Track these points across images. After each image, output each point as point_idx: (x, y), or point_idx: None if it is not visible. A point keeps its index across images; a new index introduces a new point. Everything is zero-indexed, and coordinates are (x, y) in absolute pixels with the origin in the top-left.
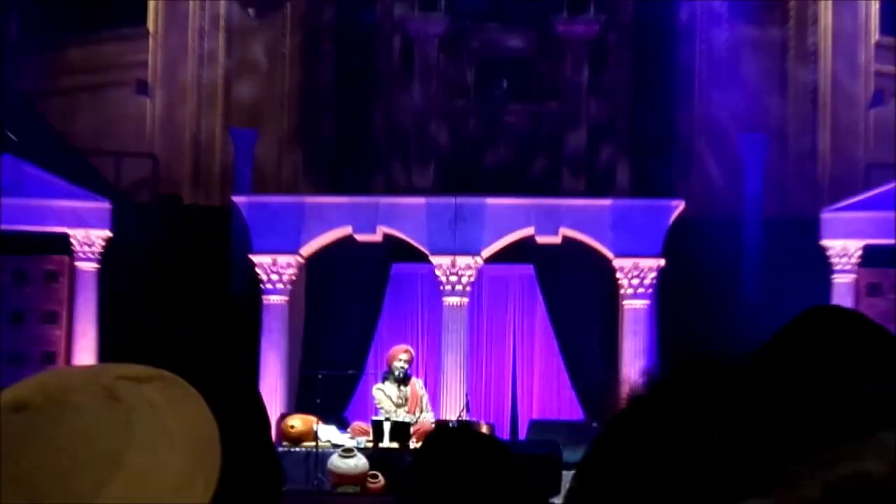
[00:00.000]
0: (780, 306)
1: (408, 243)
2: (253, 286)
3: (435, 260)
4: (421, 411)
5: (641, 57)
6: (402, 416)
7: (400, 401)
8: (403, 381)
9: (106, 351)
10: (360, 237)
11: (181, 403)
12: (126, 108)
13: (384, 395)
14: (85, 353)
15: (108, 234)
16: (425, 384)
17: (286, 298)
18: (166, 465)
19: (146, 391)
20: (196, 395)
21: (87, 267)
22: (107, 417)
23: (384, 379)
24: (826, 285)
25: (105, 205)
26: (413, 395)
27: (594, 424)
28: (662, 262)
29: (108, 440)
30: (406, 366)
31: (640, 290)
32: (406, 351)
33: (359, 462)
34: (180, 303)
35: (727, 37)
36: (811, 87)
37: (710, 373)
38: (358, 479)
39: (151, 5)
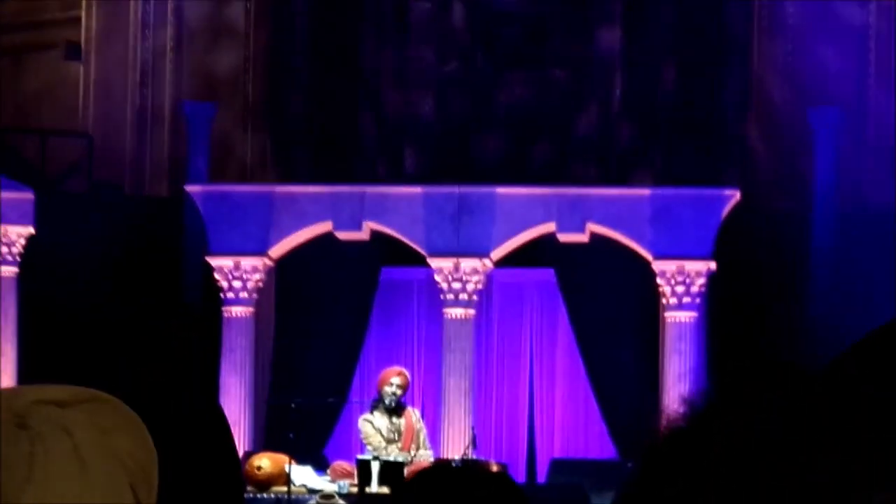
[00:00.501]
0: (856, 319)
1: (400, 242)
2: (211, 295)
3: (434, 263)
4: (417, 448)
5: (684, 12)
6: (393, 453)
7: (392, 435)
8: (396, 411)
9: (30, 372)
10: (342, 235)
11: (112, 428)
12: (54, 76)
13: (373, 427)
14: (2, 375)
15: (30, 231)
16: (423, 415)
17: (252, 310)
18: (77, 497)
19: (68, 416)
20: (133, 418)
21: (6, 272)
22: (6, 451)
23: (373, 408)
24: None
25: (27, 195)
26: (408, 429)
27: (629, 464)
28: (713, 265)
29: (5, 477)
30: (400, 392)
31: (686, 299)
32: (400, 374)
33: None
34: (143, 298)
35: None
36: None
37: (761, 399)
38: None
39: None
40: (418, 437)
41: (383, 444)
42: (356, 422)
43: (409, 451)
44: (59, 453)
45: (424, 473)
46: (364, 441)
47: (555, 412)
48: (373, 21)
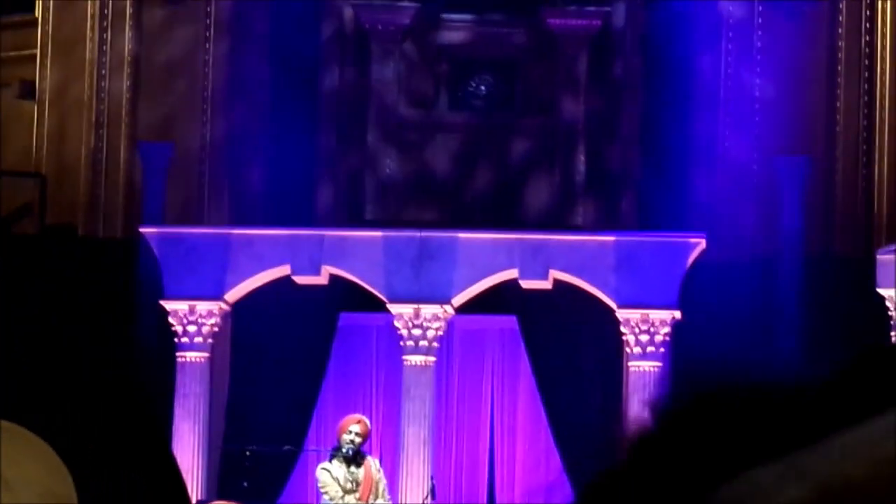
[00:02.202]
0: (824, 370)
1: (360, 287)
2: (165, 340)
3: (394, 309)
4: (376, 498)
5: (652, 56)
6: (351, 503)
7: (350, 485)
8: (355, 459)
9: None
10: (300, 279)
11: (23, 454)
12: (7, 115)
13: (330, 476)
14: None
15: None
16: (381, 464)
17: (206, 355)
18: None
19: None
20: (44, 448)
21: None
22: None
23: (331, 457)
24: (882, 343)
25: None
26: (367, 478)
27: None
28: (678, 313)
29: None
30: (359, 440)
31: (650, 348)
32: (359, 422)
33: None
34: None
35: (761, 34)
36: (866, 98)
37: (731, 408)
38: None
39: None
40: (377, 488)
41: (340, 493)
42: (312, 470)
43: (366, 501)
44: None
45: None
46: (321, 490)
47: (516, 462)
48: (335, 60)
